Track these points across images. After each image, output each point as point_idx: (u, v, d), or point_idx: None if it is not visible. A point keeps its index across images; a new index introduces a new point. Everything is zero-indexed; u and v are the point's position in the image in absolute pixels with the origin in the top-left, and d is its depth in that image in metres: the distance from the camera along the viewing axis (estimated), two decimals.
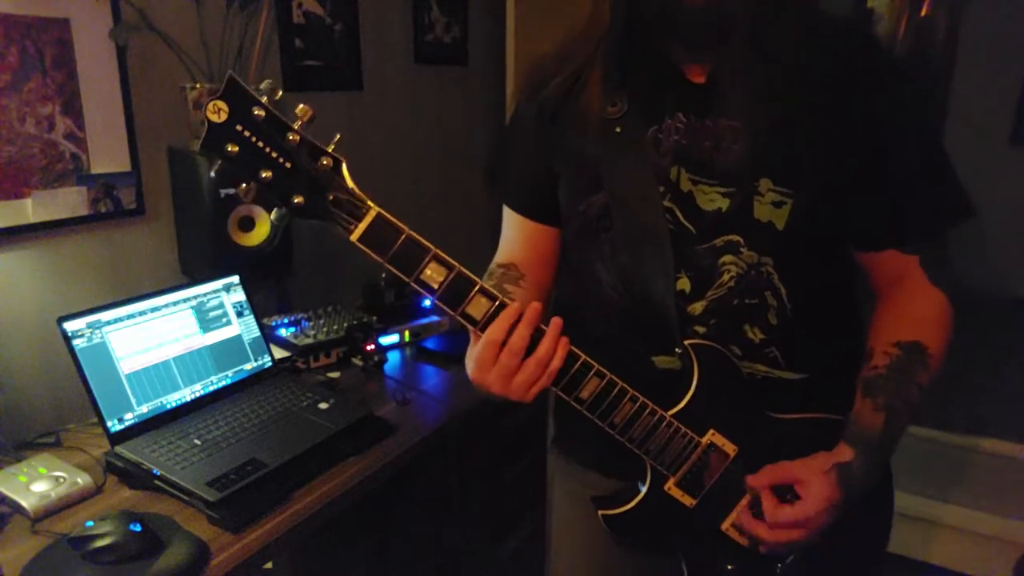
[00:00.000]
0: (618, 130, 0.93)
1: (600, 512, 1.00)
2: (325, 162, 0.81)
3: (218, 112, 0.78)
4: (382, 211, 0.83)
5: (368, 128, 2.23)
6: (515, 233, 1.10)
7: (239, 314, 1.54)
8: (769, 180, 0.89)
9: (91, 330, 1.29)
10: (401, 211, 0.84)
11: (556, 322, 0.86)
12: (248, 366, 1.53)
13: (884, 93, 0.89)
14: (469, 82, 2.67)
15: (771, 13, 0.85)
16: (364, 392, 1.61)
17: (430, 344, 1.87)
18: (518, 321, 0.84)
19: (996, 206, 3.02)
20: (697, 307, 0.94)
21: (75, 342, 1.27)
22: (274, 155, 0.80)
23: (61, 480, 1.19)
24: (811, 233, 0.91)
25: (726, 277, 0.93)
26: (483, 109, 2.73)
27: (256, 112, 0.78)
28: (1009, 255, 3.30)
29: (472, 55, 2.65)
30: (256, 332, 1.56)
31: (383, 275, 1.93)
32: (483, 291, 0.85)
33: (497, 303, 0.85)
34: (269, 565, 1.75)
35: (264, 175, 0.79)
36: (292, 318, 1.77)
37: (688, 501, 0.96)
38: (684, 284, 0.94)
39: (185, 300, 1.46)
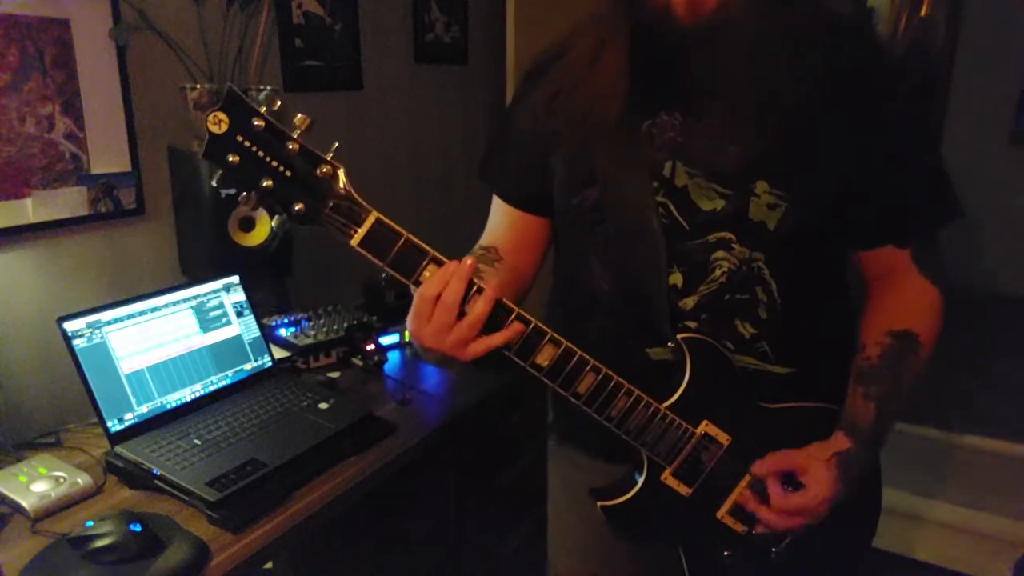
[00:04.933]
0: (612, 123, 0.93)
1: (599, 504, 1.01)
2: (324, 169, 0.81)
3: (218, 123, 0.78)
4: (381, 216, 0.84)
5: (368, 128, 2.23)
6: (500, 219, 1.11)
7: (239, 314, 1.54)
8: (765, 182, 0.90)
9: (91, 330, 1.30)
10: (401, 210, 0.84)
11: (493, 285, 0.85)
12: (248, 366, 1.53)
13: (887, 99, 0.90)
14: (469, 82, 2.67)
15: (775, 18, 0.86)
16: (364, 392, 1.60)
17: None
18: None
19: (996, 205, 3.03)
20: (689, 302, 0.95)
21: (75, 342, 1.27)
22: (274, 164, 0.80)
23: (61, 480, 1.20)
24: (801, 235, 0.92)
25: (718, 272, 0.94)
26: (483, 109, 2.73)
27: (256, 122, 0.79)
28: (1008, 254, 3.30)
29: (472, 55, 2.65)
30: (256, 332, 1.56)
31: (383, 275, 1.93)
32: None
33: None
34: (269, 565, 1.75)
35: (265, 184, 0.80)
36: (292, 318, 1.77)
37: (684, 490, 0.98)
38: (676, 279, 0.95)
39: (185, 300, 1.46)
